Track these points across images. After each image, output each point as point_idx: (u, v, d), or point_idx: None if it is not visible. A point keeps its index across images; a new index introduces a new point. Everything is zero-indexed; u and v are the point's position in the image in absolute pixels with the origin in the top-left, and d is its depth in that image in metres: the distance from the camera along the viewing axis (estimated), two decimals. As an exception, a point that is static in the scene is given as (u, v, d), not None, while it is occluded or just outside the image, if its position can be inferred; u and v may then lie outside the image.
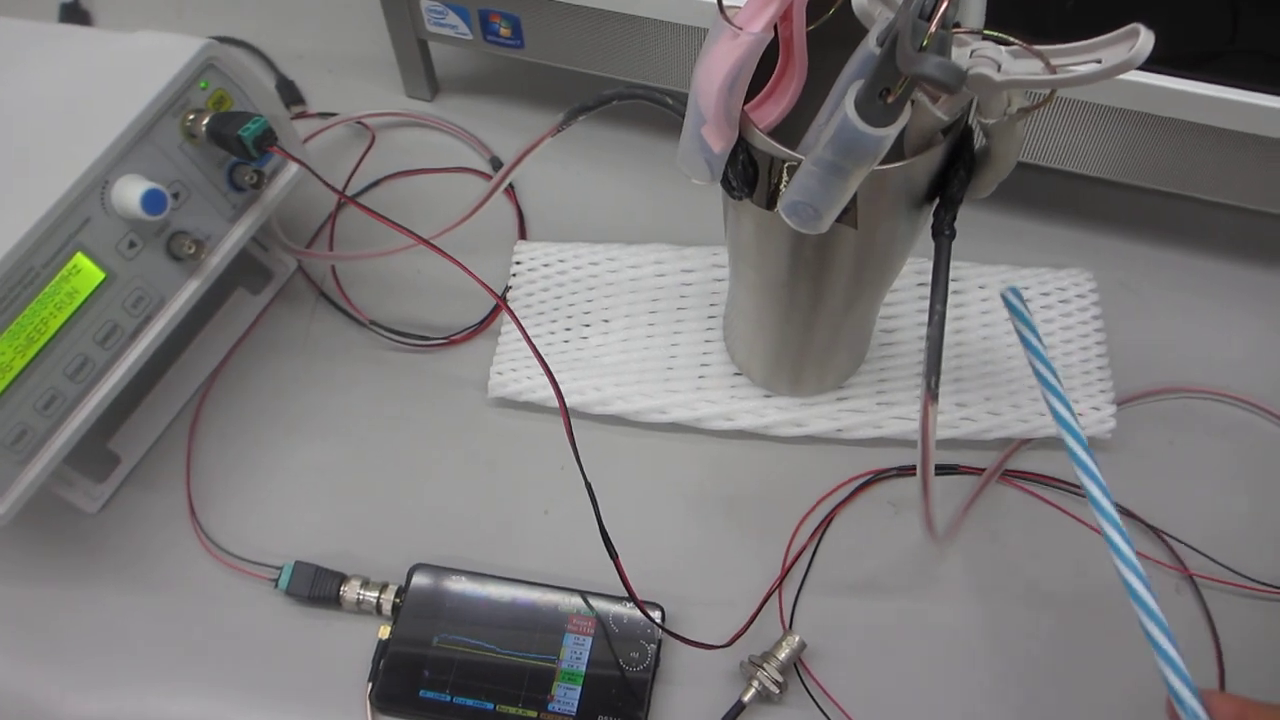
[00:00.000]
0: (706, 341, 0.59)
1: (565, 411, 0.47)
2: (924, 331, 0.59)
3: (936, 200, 0.42)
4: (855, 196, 0.39)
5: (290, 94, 0.71)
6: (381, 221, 0.52)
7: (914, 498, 0.56)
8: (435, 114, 0.70)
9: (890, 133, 0.34)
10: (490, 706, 0.50)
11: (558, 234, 0.65)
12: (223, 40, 0.52)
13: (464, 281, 0.51)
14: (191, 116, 0.51)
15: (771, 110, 0.42)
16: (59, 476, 0.54)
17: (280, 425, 0.59)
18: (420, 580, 0.53)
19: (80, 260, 0.48)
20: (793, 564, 0.54)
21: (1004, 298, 0.44)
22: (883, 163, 0.37)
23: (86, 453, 0.55)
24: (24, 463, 0.49)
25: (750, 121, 0.40)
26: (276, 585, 0.53)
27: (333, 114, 0.70)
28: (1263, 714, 0.37)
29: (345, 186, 0.67)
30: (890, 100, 0.33)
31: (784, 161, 0.39)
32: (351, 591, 0.52)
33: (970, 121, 0.41)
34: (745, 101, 0.39)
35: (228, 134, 0.50)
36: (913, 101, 0.36)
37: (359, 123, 0.70)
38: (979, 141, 0.41)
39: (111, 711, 0.51)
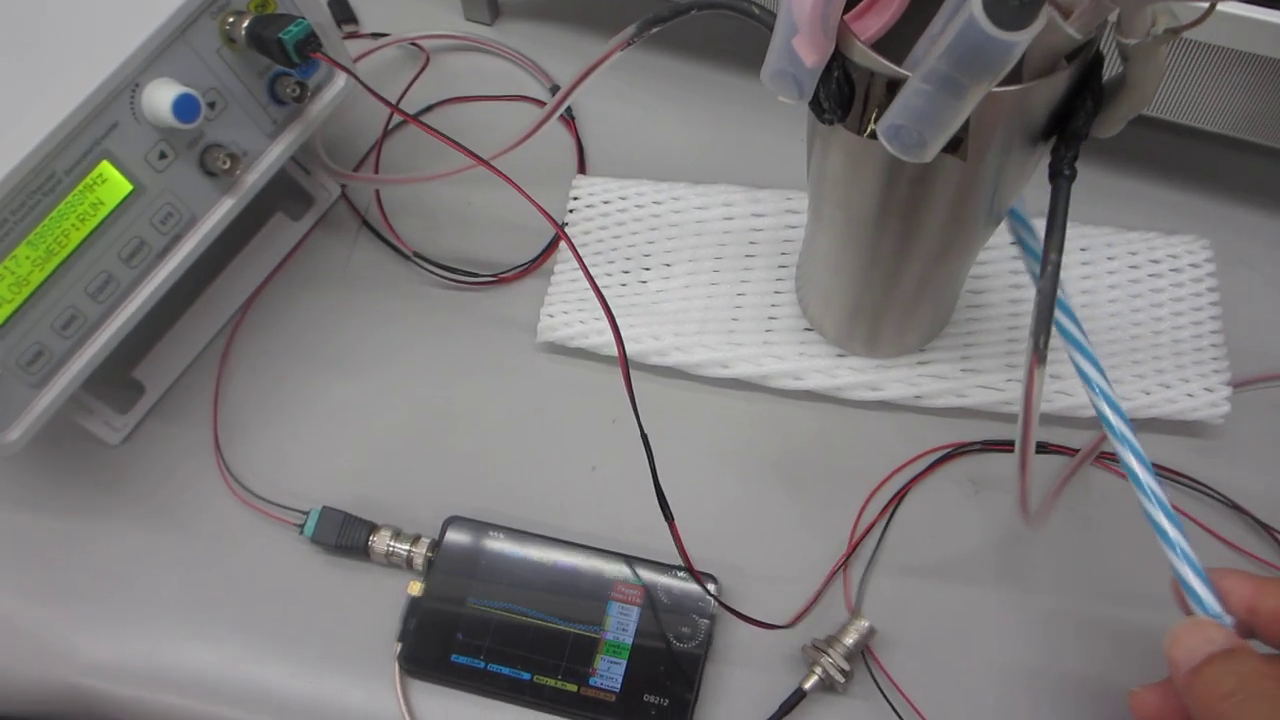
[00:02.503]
0: (776, 293, 0.54)
1: (624, 357, 0.42)
2: (1016, 294, 0.54)
3: (1054, 137, 0.37)
4: (967, 123, 0.34)
5: (343, 11, 0.67)
6: (435, 136, 0.47)
7: (997, 475, 0.51)
8: (494, 38, 0.66)
9: (1022, 38, 0.29)
10: (527, 677, 0.46)
11: (620, 170, 0.60)
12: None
13: (516, 216, 0.47)
14: (231, 19, 0.47)
15: (874, 21, 0.37)
16: (79, 404, 0.51)
17: (315, 360, 0.55)
18: (455, 535, 0.49)
19: (106, 169, 0.44)
20: (860, 540, 0.49)
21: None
22: (1000, 85, 0.32)
23: (110, 380, 0.52)
24: (39, 386, 0.46)
25: (850, 32, 0.35)
26: (302, 531, 0.49)
27: (386, 35, 0.65)
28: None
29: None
30: (1025, -3, 0.28)
31: (886, 79, 0.34)
32: (381, 542, 0.49)
33: (1102, 46, 0.36)
34: (844, 11, 0.35)
35: (268, 37, 0.46)
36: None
37: (413, 44, 0.65)
38: (1110, 70, 0.36)
39: (124, 655, 0.48)
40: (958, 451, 0.51)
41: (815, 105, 0.37)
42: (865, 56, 0.34)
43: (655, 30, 0.41)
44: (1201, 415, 0.50)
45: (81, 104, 0.42)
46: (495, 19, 0.67)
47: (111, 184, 0.45)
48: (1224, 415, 0.50)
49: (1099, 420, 0.51)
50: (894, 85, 0.34)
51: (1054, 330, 0.40)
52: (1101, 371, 0.39)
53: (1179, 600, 0.37)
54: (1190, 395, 0.50)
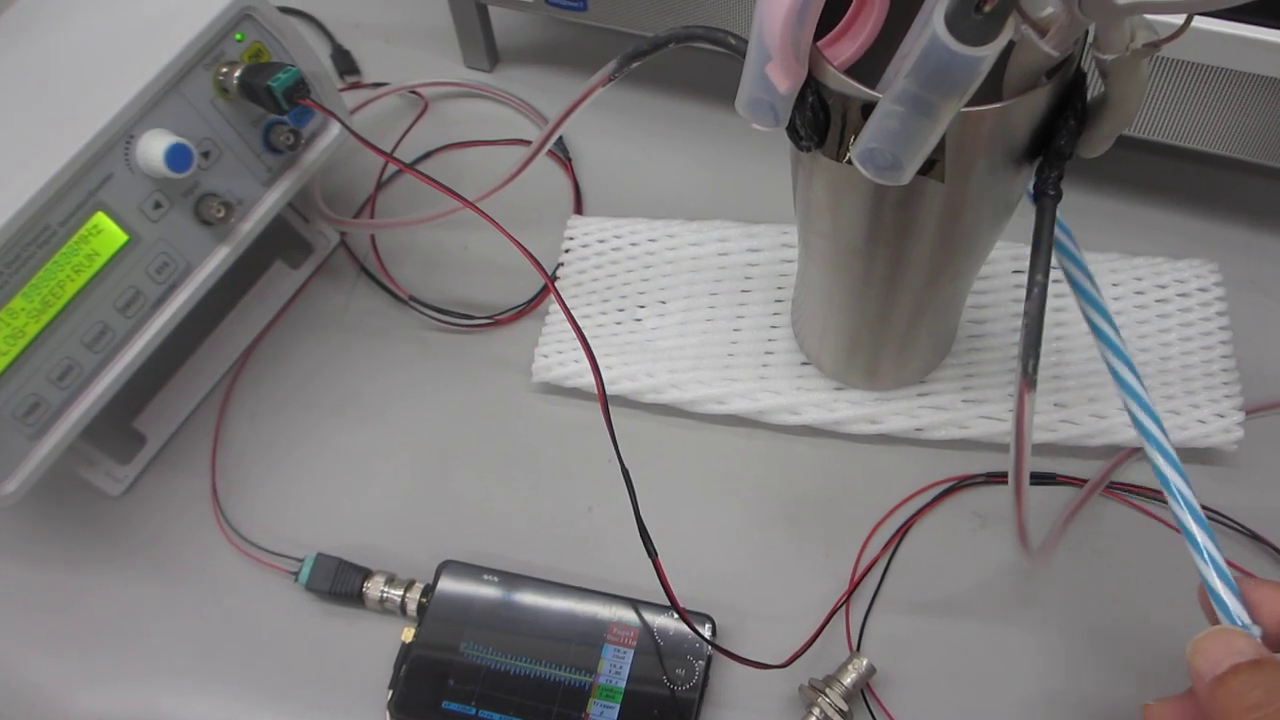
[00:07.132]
0: (772, 327, 0.54)
1: (603, 393, 0.42)
2: (1018, 323, 0.53)
3: (1040, 158, 0.37)
4: (943, 143, 0.33)
5: (345, 63, 0.68)
6: (425, 182, 0.48)
7: (1003, 508, 0.49)
8: (493, 84, 0.66)
9: (987, 53, 0.28)
10: (519, 722, 0.45)
11: (617, 209, 0.60)
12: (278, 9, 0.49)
13: (513, 259, 0.47)
14: (225, 70, 0.47)
15: (847, 46, 0.36)
16: (81, 456, 0.51)
17: (314, 409, 0.55)
18: (448, 580, 0.48)
19: (101, 220, 0.45)
20: (862, 578, 0.48)
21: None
22: (977, 104, 0.32)
23: (111, 432, 0.52)
24: (36, 437, 0.46)
25: (822, 57, 0.34)
26: (297, 579, 0.49)
27: (386, 84, 0.66)
28: None
29: (392, 153, 0.64)
30: (988, 8, 0.27)
31: (860, 102, 0.34)
32: (375, 589, 0.48)
33: (1083, 64, 0.35)
34: (817, 37, 0.34)
35: (258, 85, 0.47)
36: (1012, 42, 0.31)
37: (413, 92, 0.66)
38: (1094, 89, 0.35)
39: (119, 707, 0.47)
40: (961, 484, 0.50)
41: (792, 131, 0.37)
42: (837, 80, 0.34)
43: (635, 65, 0.41)
44: (1214, 442, 0.49)
45: (75, 157, 0.43)
46: (494, 66, 0.68)
47: (107, 235, 0.45)
48: (1237, 441, 0.49)
49: (1106, 450, 0.50)
50: (868, 109, 0.34)
51: (1095, 333, 0.39)
52: (1136, 373, 0.38)
53: (1205, 609, 0.35)
54: (1201, 421, 0.49)
